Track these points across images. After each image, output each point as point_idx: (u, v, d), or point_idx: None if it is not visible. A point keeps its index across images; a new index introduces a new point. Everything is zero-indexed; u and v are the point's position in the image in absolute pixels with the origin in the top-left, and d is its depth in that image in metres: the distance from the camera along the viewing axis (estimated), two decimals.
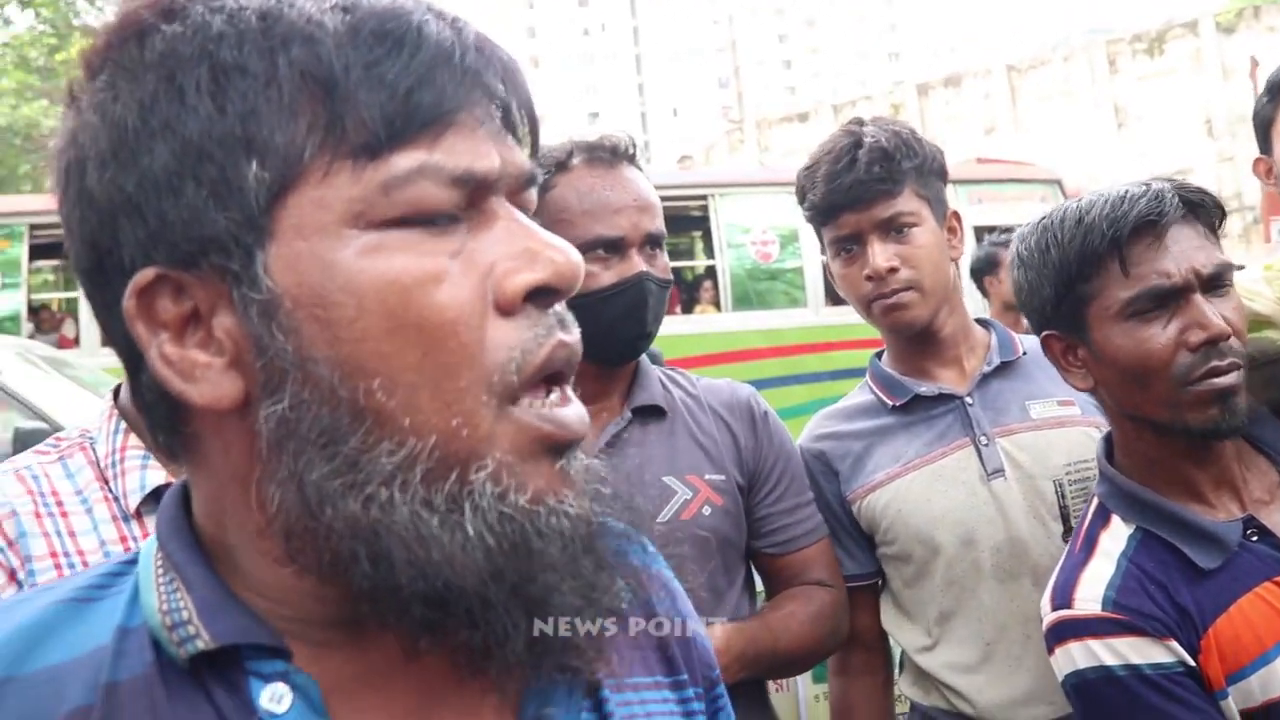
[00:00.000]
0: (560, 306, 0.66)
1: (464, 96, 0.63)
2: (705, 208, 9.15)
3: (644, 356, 1.82)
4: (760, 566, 1.85)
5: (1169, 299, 1.41)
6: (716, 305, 9.17)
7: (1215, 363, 1.38)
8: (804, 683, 2.79)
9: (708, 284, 9.46)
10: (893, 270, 1.80)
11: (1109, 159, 26.03)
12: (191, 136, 0.60)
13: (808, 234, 8.83)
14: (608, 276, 1.67)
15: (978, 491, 1.81)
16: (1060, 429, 1.81)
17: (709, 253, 9.39)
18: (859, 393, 2.00)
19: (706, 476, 1.72)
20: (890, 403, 1.91)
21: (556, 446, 0.64)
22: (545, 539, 0.62)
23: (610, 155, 1.72)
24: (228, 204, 0.60)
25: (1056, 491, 1.79)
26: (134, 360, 0.65)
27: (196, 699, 0.62)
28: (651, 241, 1.71)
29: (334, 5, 0.62)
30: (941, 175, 1.90)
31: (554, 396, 0.65)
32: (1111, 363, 1.46)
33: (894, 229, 1.82)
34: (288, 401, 0.60)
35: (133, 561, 0.70)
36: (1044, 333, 1.56)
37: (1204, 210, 1.44)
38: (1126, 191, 1.44)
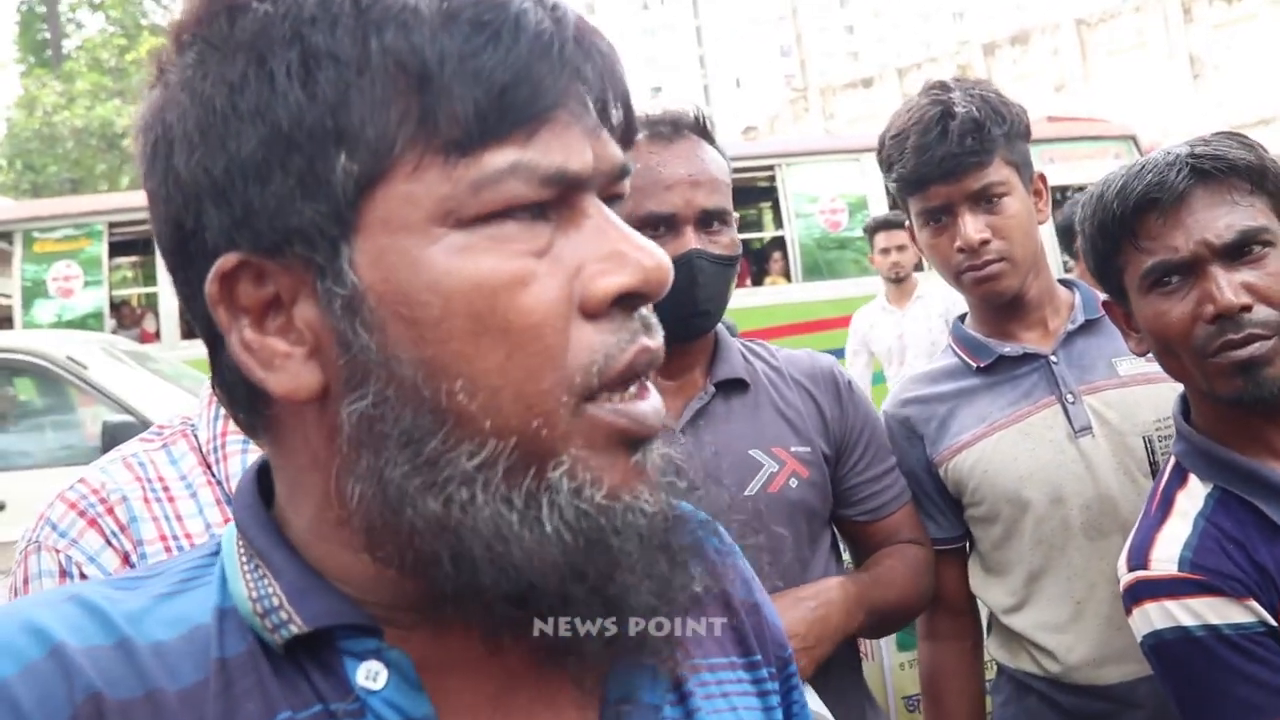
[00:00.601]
0: (646, 310, 0.65)
1: (560, 92, 0.61)
2: (772, 178, 9.09)
3: (723, 329, 1.82)
4: (848, 533, 1.86)
5: (1185, 271, 1.40)
6: (786, 276, 9.12)
7: (1230, 335, 1.36)
8: (889, 651, 2.79)
9: (777, 255, 9.41)
10: (984, 242, 1.79)
11: (1185, 112, 25.35)
12: (280, 124, 0.59)
13: (877, 201, 8.75)
14: None
15: (1065, 449, 1.80)
16: (1149, 385, 1.79)
17: (777, 223, 9.33)
18: (943, 356, 2.00)
19: (792, 449, 1.72)
20: (974, 364, 1.90)
21: (633, 441, 0.63)
22: (622, 536, 0.61)
23: (670, 129, 1.70)
24: (315, 195, 0.59)
25: (1146, 448, 1.77)
26: (215, 339, 0.65)
27: (296, 679, 0.63)
28: (709, 218, 1.69)
29: None
30: (1027, 136, 1.88)
31: (631, 389, 0.63)
32: (1147, 333, 1.48)
33: (985, 199, 1.80)
34: (371, 399, 0.60)
35: (214, 553, 0.70)
36: (1103, 298, 1.59)
37: (1235, 173, 1.40)
38: (1142, 165, 1.44)
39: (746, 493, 1.67)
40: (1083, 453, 1.79)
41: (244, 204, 0.60)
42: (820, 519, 1.76)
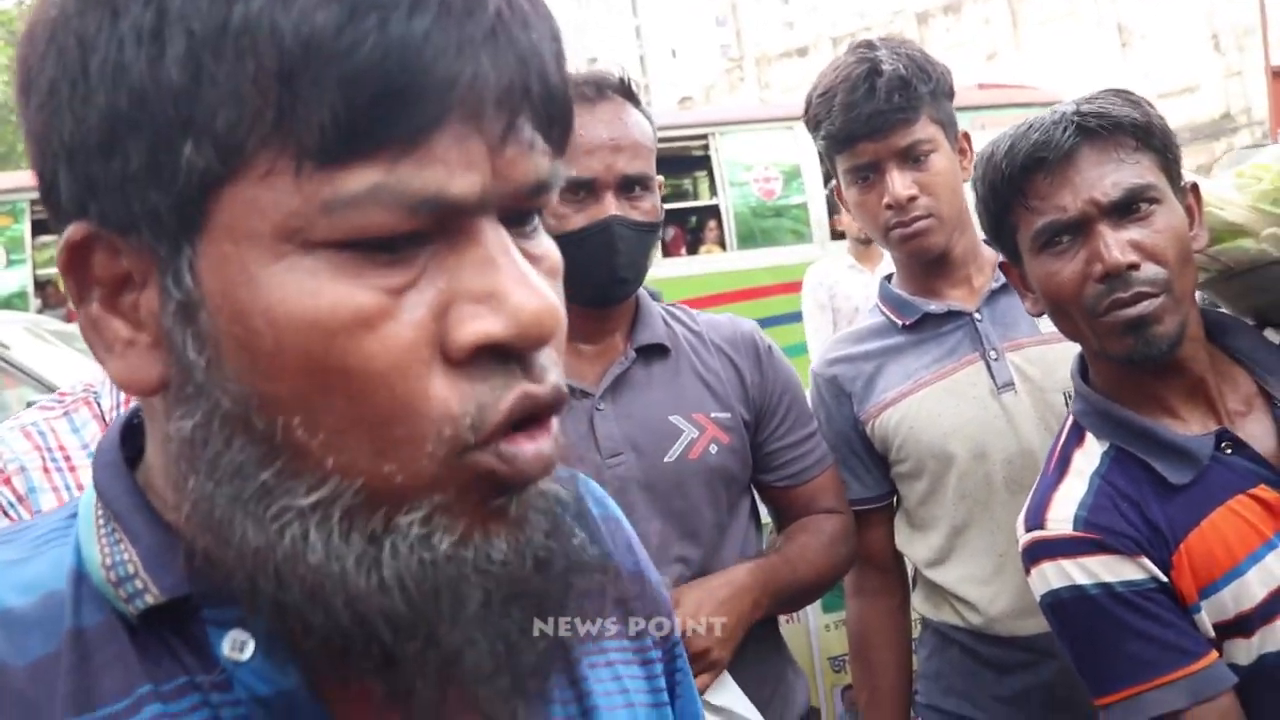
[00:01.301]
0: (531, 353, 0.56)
1: (458, 97, 0.51)
2: (706, 147, 9.08)
3: (644, 294, 1.81)
4: (769, 499, 1.86)
5: (1074, 230, 1.40)
6: (721, 245, 9.14)
7: (1119, 294, 1.36)
8: (814, 614, 2.81)
9: (712, 224, 9.42)
10: (912, 199, 1.80)
11: (1114, 80, 25.69)
12: (121, 100, 0.51)
13: (810, 169, 8.78)
14: (578, 219, 1.63)
15: (988, 405, 1.82)
16: (1070, 342, 1.80)
17: (712, 192, 9.34)
18: (870, 315, 2.01)
19: (712, 415, 1.71)
20: (900, 322, 1.91)
21: (501, 484, 0.55)
22: (465, 591, 0.54)
23: (594, 91, 1.66)
24: (158, 182, 0.52)
25: (1066, 403, 1.79)
26: None
27: (159, 650, 0.58)
28: (630, 183, 1.66)
29: None
30: (951, 95, 1.90)
31: (520, 434, 0.55)
32: (1040, 293, 1.48)
33: (912, 157, 1.81)
34: (198, 418, 0.54)
35: (73, 515, 0.64)
36: (1000, 259, 1.59)
37: (1120, 131, 1.40)
38: (1029, 125, 1.44)
39: (666, 459, 1.66)
40: (1005, 408, 1.81)
41: (88, 177, 0.54)
42: (739, 485, 1.76)
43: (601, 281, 1.66)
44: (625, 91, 1.70)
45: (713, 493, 1.69)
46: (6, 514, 1.21)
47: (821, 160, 2.04)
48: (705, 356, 1.77)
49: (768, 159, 9.07)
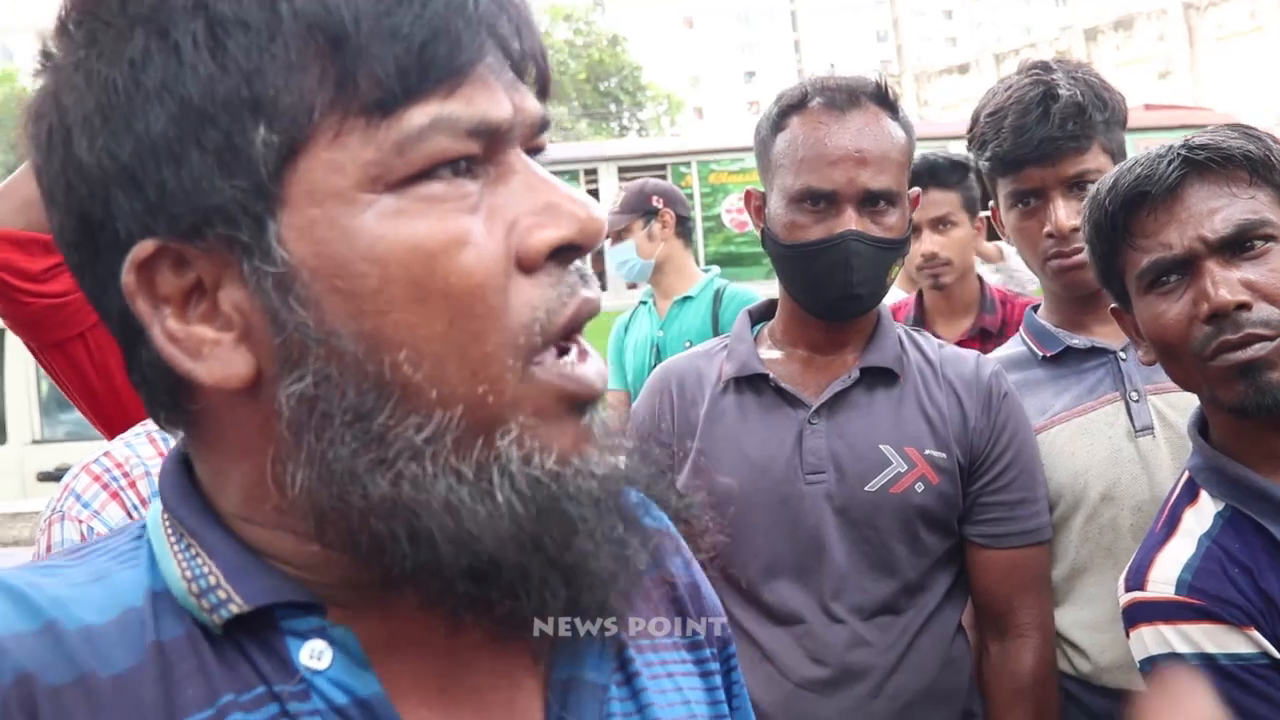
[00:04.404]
0: (580, 262, 0.63)
1: (477, 47, 0.59)
2: None
3: (886, 313, 1.78)
4: (966, 556, 1.75)
5: (1181, 269, 1.32)
6: None
7: (1227, 336, 1.27)
8: None
9: None
10: (1075, 230, 1.74)
11: None
12: (191, 98, 0.56)
13: None
14: (815, 231, 1.61)
15: (1123, 448, 1.76)
16: None
17: None
18: (1012, 344, 1.97)
19: (926, 452, 1.65)
20: (1041, 353, 1.87)
21: (579, 403, 0.62)
22: (576, 501, 0.60)
23: (845, 99, 1.63)
24: (234, 171, 0.56)
25: None
26: (130, 337, 0.62)
27: (237, 661, 0.60)
28: (873, 199, 1.61)
29: None
30: (1124, 124, 1.85)
31: (572, 354, 0.62)
32: (1147, 337, 1.40)
33: (1079, 186, 1.77)
34: (311, 379, 0.57)
35: (139, 536, 0.66)
36: (1112, 305, 1.51)
37: (1232, 164, 1.31)
38: (1135, 159, 1.37)
39: (867, 488, 1.62)
40: (1141, 453, 1.75)
41: (157, 186, 0.57)
42: (943, 529, 1.68)
43: (833, 296, 1.64)
44: (880, 99, 1.67)
45: (910, 531, 1.63)
46: (130, 516, 1.27)
47: (979, 178, 2.00)
48: (933, 389, 1.71)
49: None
